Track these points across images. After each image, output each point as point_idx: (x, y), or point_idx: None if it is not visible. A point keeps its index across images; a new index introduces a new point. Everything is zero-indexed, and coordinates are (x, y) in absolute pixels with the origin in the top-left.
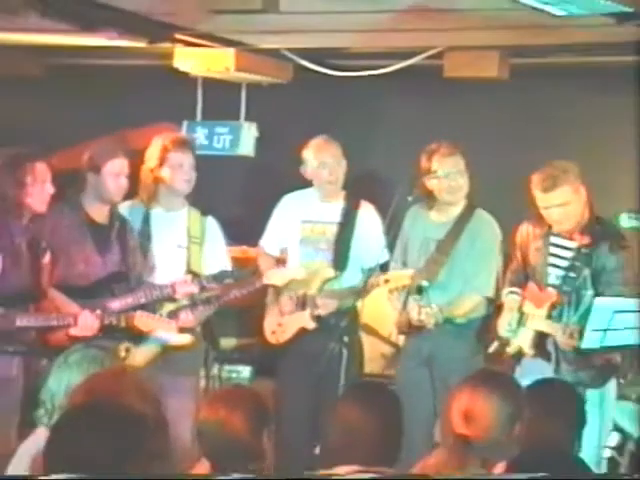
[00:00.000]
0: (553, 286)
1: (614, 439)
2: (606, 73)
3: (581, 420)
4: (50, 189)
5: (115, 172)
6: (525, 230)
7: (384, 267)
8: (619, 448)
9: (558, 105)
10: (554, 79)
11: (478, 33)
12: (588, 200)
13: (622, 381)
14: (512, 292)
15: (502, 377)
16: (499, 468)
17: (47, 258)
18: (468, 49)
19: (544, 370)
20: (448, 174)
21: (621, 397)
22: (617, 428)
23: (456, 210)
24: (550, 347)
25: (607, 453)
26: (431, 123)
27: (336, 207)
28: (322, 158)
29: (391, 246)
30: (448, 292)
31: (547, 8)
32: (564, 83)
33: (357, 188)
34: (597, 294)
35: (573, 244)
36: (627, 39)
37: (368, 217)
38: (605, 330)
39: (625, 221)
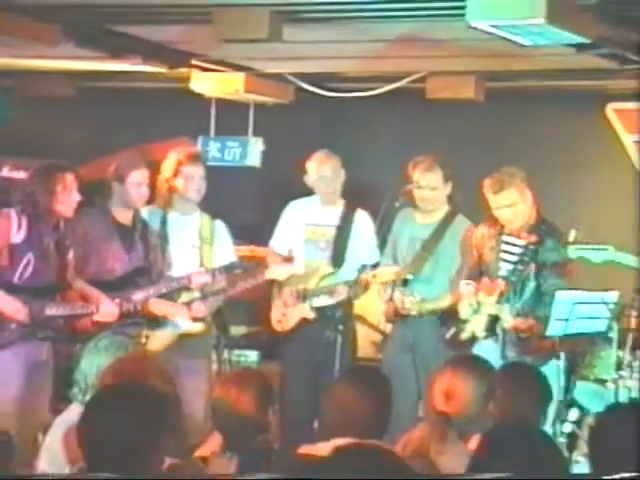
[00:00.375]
0: (503, 278)
1: (574, 414)
2: (568, 96)
3: (546, 398)
4: (77, 197)
5: (137, 182)
6: (480, 232)
7: (375, 265)
8: (578, 422)
9: (527, 123)
10: (524, 101)
11: (456, 60)
12: (534, 202)
13: (581, 364)
14: (467, 284)
15: (478, 361)
16: (474, 440)
17: (71, 255)
18: (447, 74)
19: (493, 353)
20: (425, 186)
21: (580, 378)
22: (577, 405)
23: (439, 214)
24: (499, 331)
25: (568, 427)
26: (415, 138)
27: (335, 212)
28: (322, 170)
29: (382, 247)
30: (432, 285)
31: (516, 39)
32: (532, 104)
33: (353, 195)
34: (538, 284)
35: (522, 242)
36: (586, 66)
37: (362, 221)
38: (566, 320)
39: (572, 252)
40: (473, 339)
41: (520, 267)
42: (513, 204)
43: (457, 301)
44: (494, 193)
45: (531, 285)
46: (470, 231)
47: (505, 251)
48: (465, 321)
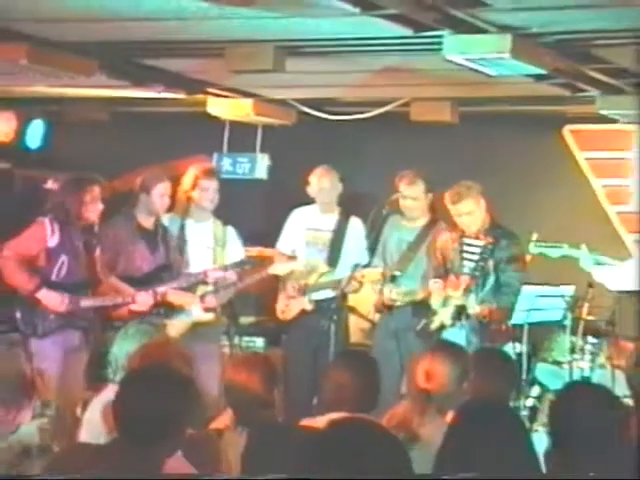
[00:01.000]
0: (467, 274)
1: (535, 391)
2: (531, 119)
3: (513, 378)
4: (101, 205)
5: (161, 193)
6: (444, 237)
7: (366, 265)
8: (539, 398)
9: (495, 143)
10: (492, 123)
11: (435, 88)
12: (488, 210)
13: (541, 348)
14: (435, 282)
15: (455, 346)
16: (450, 414)
17: (98, 255)
18: (428, 100)
19: (458, 339)
20: (408, 196)
21: (540, 360)
22: (537, 383)
23: (422, 220)
24: (464, 319)
25: (530, 402)
26: (401, 155)
27: (332, 219)
28: (322, 183)
29: (372, 249)
30: (415, 280)
31: (485, 70)
32: (500, 126)
33: (348, 204)
34: (497, 277)
35: (480, 242)
36: (544, 93)
37: (356, 227)
38: (529, 310)
39: (533, 249)
40: (442, 328)
41: (481, 264)
42: (470, 212)
43: (428, 296)
44: (453, 203)
45: (491, 278)
46: (434, 237)
47: (467, 251)
48: (434, 313)
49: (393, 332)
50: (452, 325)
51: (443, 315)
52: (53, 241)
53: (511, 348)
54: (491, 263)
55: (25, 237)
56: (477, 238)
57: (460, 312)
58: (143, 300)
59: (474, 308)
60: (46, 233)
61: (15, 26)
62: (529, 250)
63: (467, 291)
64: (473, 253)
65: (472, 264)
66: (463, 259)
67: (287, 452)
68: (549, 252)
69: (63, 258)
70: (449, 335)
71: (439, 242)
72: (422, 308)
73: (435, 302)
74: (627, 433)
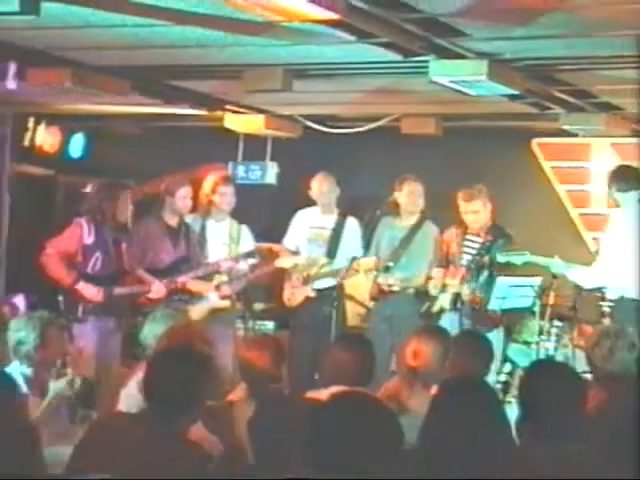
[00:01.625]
0: (464, 266)
1: (507, 368)
2: (504, 133)
3: (489, 357)
4: (130, 207)
5: (183, 196)
6: (450, 232)
7: (360, 258)
8: (510, 374)
9: (473, 153)
10: (471, 136)
11: (422, 106)
12: (492, 212)
13: (513, 331)
14: (438, 270)
15: (438, 329)
16: (434, 388)
17: (124, 248)
18: (416, 116)
19: (454, 322)
20: (410, 195)
21: (513, 341)
22: (510, 361)
23: (412, 220)
24: (459, 306)
25: (503, 377)
26: (392, 163)
27: (331, 218)
28: (322, 187)
29: (366, 245)
30: (407, 270)
31: (465, 90)
32: (477, 138)
33: (345, 206)
34: (490, 272)
35: (480, 240)
36: (516, 111)
37: (352, 225)
38: (503, 298)
39: (499, 257)
40: (441, 312)
41: (477, 258)
42: (476, 211)
43: (428, 282)
44: (464, 201)
45: (485, 272)
46: (442, 231)
47: (467, 246)
48: (436, 298)
49: (387, 317)
50: (450, 310)
51: (443, 300)
52: (89, 239)
53: (497, 333)
54: (487, 259)
55: (65, 236)
56: (478, 235)
57: (456, 299)
58: (158, 289)
59: (467, 296)
60: (83, 232)
61: (60, 53)
62: (497, 259)
63: (463, 280)
64: (472, 248)
65: (470, 257)
66: (463, 252)
67: (293, 421)
68: (514, 260)
69: (97, 254)
70: (446, 319)
71: (446, 235)
72: (418, 296)
73: (434, 289)
74: (585, 404)
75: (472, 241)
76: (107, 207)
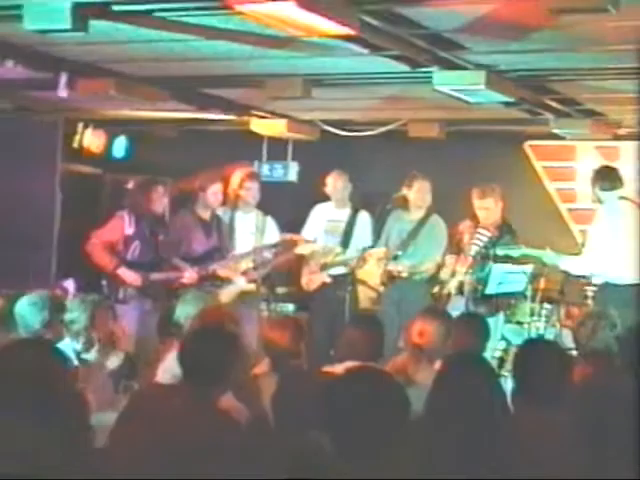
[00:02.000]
0: (472, 256)
1: (502, 345)
2: (500, 136)
3: (486, 335)
4: (165, 201)
5: (215, 192)
6: (463, 225)
7: (371, 247)
8: (505, 351)
9: (473, 154)
10: (471, 139)
11: (427, 111)
12: (502, 210)
13: (508, 312)
14: (450, 258)
15: (441, 310)
16: (437, 363)
17: (161, 239)
18: (421, 121)
19: (460, 305)
20: (419, 191)
21: (507, 321)
22: (504, 339)
23: (420, 213)
24: (464, 291)
25: (498, 354)
26: (400, 163)
27: (345, 212)
28: (337, 184)
29: (377, 236)
30: (413, 259)
31: (466, 98)
32: (477, 141)
33: (357, 201)
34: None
35: (489, 234)
36: (510, 117)
37: (363, 219)
38: (499, 283)
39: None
40: (449, 295)
41: (484, 251)
42: (488, 208)
43: (439, 269)
44: (478, 198)
45: (490, 264)
46: (446, 224)
47: (477, 238)
48: (446, 282)
49: (395, 301)
50: (456, 294)
51: (451, 285)
52: (129, 230)
53: (496, 316)
54: (492, 251)
55: (108, 227)
56: (487, 230)
57: (461, 285)
58: (191, 276)
59: (472, 283)
60: (124, 224)
61: (106, 66)
62: (495, 251)
63: (469, 269)
64: (481, 240)
65: (478, 249)
66: (473, 244)
67: (311, 392)
68: (511, 253)
69: (136, 243)
70: (454, 303)
71: (461, 226)
72: (429, 281)
73: (444, 274)
74: (572, 377)
75: (482, 234)
76: (144, 201)
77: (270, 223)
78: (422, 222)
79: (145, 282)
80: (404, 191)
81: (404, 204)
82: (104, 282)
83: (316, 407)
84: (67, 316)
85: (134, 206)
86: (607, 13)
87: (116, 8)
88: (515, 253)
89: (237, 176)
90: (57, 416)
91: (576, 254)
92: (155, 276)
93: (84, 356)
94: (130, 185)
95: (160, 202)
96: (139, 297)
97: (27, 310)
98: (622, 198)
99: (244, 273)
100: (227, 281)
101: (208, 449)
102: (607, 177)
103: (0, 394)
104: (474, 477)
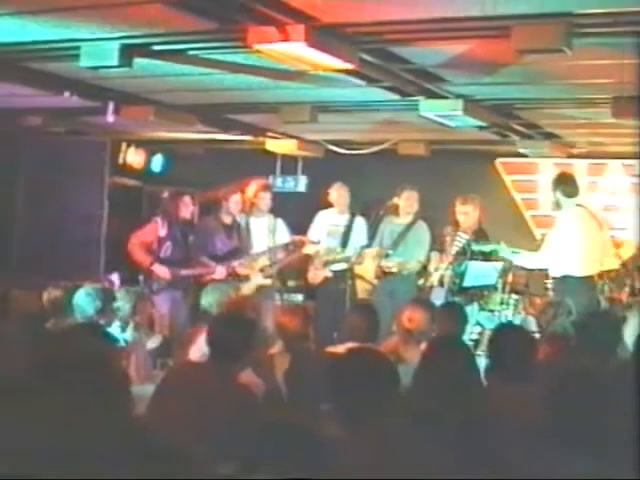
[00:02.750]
0: (453, 255)
1: (477, 329)
2: (475, 154)
3: (465, 322)
4: (192, 208)
5: (236, 201)
6: (446, 229)
7: (366, 247)
8: (480, 334)
9: (453, 169)
10: (452, 156)
11: (414, 133)
12: (479, 217)
13: (482, 302)
14: (434, 256)
15: (426, 300)
16: (423, 345)
17: (190, 240)
18: (409, 141)
19: (441, 296)
20: (407, 199)
21: (481, 309)
22: (479, 324)
23: (408, 219)
24: (445, 283)
25: (474, 337)
26: (392, 176)
27: (345, 217)
28: (338, 195)
29: (371, 237)
30: (402, 257)
31: (446, 122)
32: (456, 158)
33: (355, 208)
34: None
35: (467, 237)
36: (484, 138)
37: (360, 223)
38: (475, 277)
39: (473, 246)
40: (431, 287)
41: (463, 250)
42: (467, 213)
43: (425, 265)
44: (460, 204)
45: (466, 262)
46: (430, 228)
47: (457, 240)
48: (430, 276)
49: (388, 292)
50: (438, 286)
51: (434, 278)
52: (162, 232)
53: (472, 305)
54: (469, 251)
55: (145, 230)
56: (465, 233)
57: (443, 278)
58: (221, 272)
59: (451, 277)
60: (158, 227)
61: (146, 95)
62: (471, 247)
63: (450, 265)
64: (460, 242)
65: (457, 249)
66: (453, 245)
67: (318, 369)
68: (483, 248)
69: (168, 243)
70: (436, 293)
71: (444, 231)
72: (416, 275)
73: (429, 270)
74: (535, 356)
75: (461, 237)
76: (174, 209)
77: (280, 225)
78: (410, 226)
79: (175, 277)
80: (395, 200)
81: (395, 210)
82: (141, 277)
83: (322, 381)
84: (114, 305)
85: (166, 213)
86: (563, 53)
87: (155, 48)
88: (486, 248)
89: (252, 187)
90: (105, 387)
91: (538, 252)
92: (184, 272)
93: (128, 338)
94: (164, 195)
95: (187, 209)
96: (170, 289)
97: (84, 300)
98: (579, 205)
99: (261, 270)
100: (247, 277)
101: (230, 415)
102: (567, 183)
103: (61, 368)
104: (456, 438)
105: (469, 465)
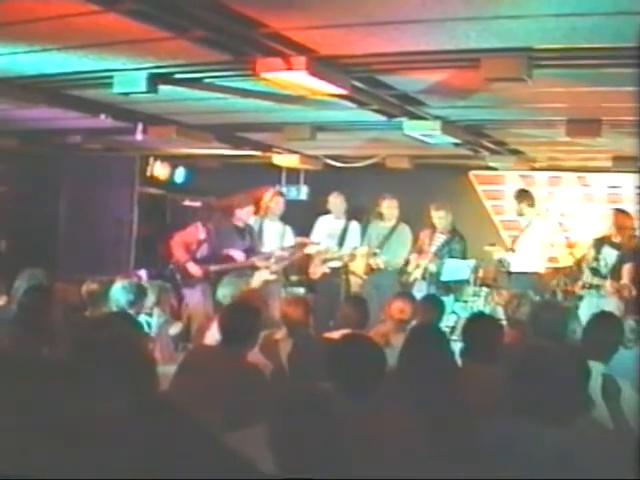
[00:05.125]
0: (433, 253)
1: (453, 318)
2: (452, 167)
3: (442, 311)
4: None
5: (248, 211)
6: (424, 232)
7: (358, 248)
8: (455, 322)
9: (433, 180)
10: (432, 169)
11: (399, 149)
12: (452, 220)
13: (457, 294)
14: (414, 255)
15: (409, 294)
16: (407, 331)
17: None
18: (395, 156)
19: (423, 289)
20: (388, 207)
21: (456, 300)
22: (455, 313)
23: (392, 222)
24: (426, 278)
25: (450, 324)
26: (380, 187)
27: (341, 222)
28: (335, 202)
29: (363, 239)
30: (387, 255)
31: (426, 139)
32: (436, 171)
33: (350, 214)
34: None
35: (443, 237)
36: (458, 153)
37: (354, 227)
38: (451, 272)
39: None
40: (414, 281)
41: (441, 248)
42: (441, 218)
43: (406, 263)
44: (434, 210)
45: (446, 258)
46: (412, 230)
47: (435, 240)
48: (412, 272)
49: (375, 286)
50: (420, 280)
51: (416, 274)
52: (202, 236)
53: (449, 297)
54: (446, 249)
55: (187, 232)
56: (442, 234)
57: (424, 274)
58: (245, 265)
59: (431, 273)
60: (199, 231)
61: (169, 117)
62: (448, 246)
63: (430, 262)
64: (438, 241)
65: (435, 248)
66: (432, 244)
67: (317, 352)
68: (457, 247)
69: (204, 246)
70: (419, 286)
71: (422, 234)
72: (398, 272)
73: (411, 266)
74: (503, 340)
75: (438, 237)
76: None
77: (289, 231)
78: (393, 229)
79: (206, 272)
80: (377, 207)
81: (380, 215)
82: (177, 272)
83: (320, 362)
84: (146, 298)
85: (205, 219)
86: (524, 82)
87: (177, 76)
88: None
89: (269, 193)
90: (134, 367)
91: (505, 253)
92: (214, 267)
93: (154, 325)
94: (187, 202)
95: (219, 217)
96: (202, 282)
97: (120, 292)
98: (537, 215)
99: (268, 267)
100: (258, 272)
101: (238, 391)
102: (529, 197)
103: (98, 349)
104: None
105: (443, 430)
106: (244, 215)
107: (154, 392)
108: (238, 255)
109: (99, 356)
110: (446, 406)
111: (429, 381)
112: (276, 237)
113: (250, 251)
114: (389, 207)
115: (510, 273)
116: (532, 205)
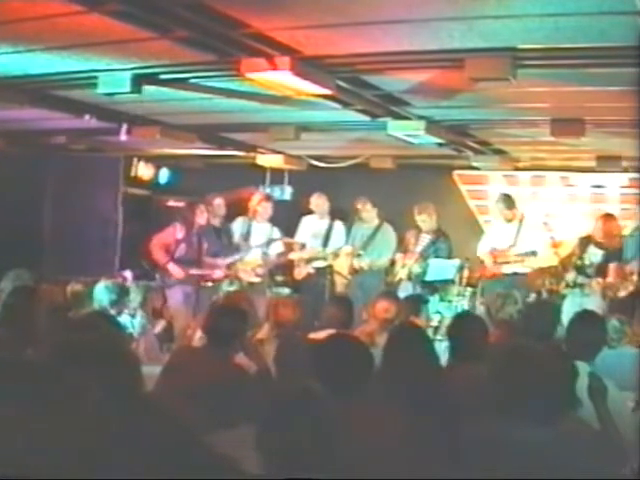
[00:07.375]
0: (419, 253)
1: (437, 317)
2: (436, 167)
3: (425, 310)
4: (206, 215)
5: (218, 204)
6: (410, 232)
7: (342, 248)
8: (440, 321)
9: (416, 180)
10: (416, 169)
11: (383, 149)
12: (436, 220)
13: (442, 293)
14: (400, 255)
15: (393, 293)
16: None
17: (203, 245)
18: (379, 156)
19: (408, 288)
20: (367, 211)
21: (441, 300)
22: (439, 312)
23: (375, 222)
24: (412, 278)
25: (435, 323)
26: (364, 187)
27: (324, 222)
28: (318, 202)
29: (346, 240)
30: (370, 256)
31: (410, 139)
32: (419, 170)
33: (333, 214)
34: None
35: (429, 237)
36: (442, 153)
37: (338, 227)
38: (436, 272)
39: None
40: (400, 281)
41: (427, 248)
42: (425, 220)
43: (392, 264)
44: (418, 213)
45: (432, 257)
46: (395, 231)
47: (421, 240)
48: (397, 272)
49: (359, 285)
50: (406, 280)
51: (402, 274)
52: (179, 236)
53: (434, 296)
54: (432, 249)
55: (164, 233)
56: (427, 234)
57: (410, 274)
58: (220, 274)
59: (416, 273)
60: (176, 231)
61: (153, 117)
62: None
63: (415, 262)
64: (423, 242)
65: (421, 248)
66: (417, 244)
67: (302, 352)
68: (443, 246)
69: (182, 245)
70: (404, 286)
71: (407, 235)
72: (380, 272)
73: (398, 266)
74: (487, 338)
75: (424, 238)
76: (192, 216)
77: (275, 231)
78: (376, 230)
79: (186, 274)
80: (357, 212)
81: (360, 219)
82: (158, 273)
83: (305, 362)
84: (127, 298)
85: (182, 219)
86: (508, 81)
87: (162, 77)
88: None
89: (256, 197)
90: (117, 368)
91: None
92: (193, 271)
93: (137, 326)
94: (172, 203)
95: (202, 217)
96: (182, 285)
97: (102, 292)
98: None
99: (254, 269)
100: (243, 276)
101: (224, 391)
102: (509, 201)
103: (78, 348)
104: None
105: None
106: (216, 210)
107: (135, 392)
108: (214, 254)
109: (78, 356)
110: (429, 405)
111: (410, 380)
112: (263, 237)
113: (227, 250)
114: (366, 211)
115: (495, 274)
116: (513, 208)
